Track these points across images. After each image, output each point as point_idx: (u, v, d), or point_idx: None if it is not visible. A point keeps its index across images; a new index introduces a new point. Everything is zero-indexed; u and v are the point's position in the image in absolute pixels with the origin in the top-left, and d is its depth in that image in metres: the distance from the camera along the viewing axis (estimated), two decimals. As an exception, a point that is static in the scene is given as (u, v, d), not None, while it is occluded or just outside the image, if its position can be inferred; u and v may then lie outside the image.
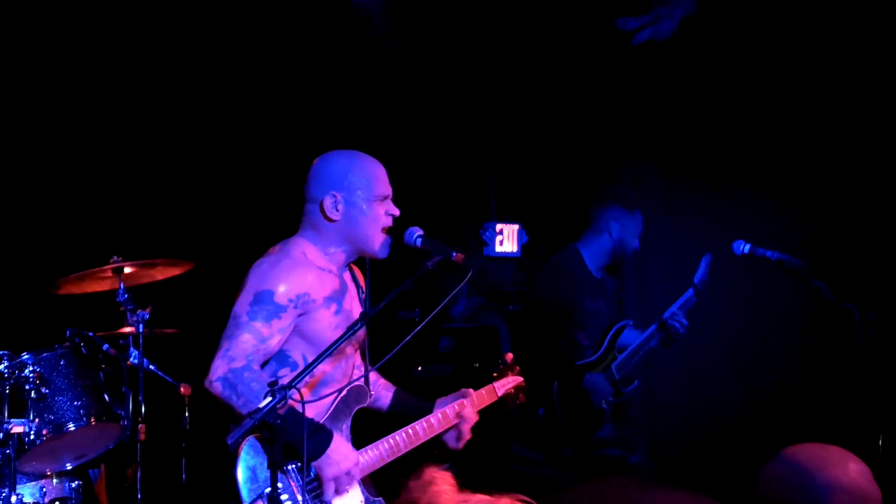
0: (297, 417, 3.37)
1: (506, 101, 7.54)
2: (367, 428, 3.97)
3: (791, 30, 6.36)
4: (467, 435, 4.05)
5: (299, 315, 3.69)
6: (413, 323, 4.99)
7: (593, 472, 5.36)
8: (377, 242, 3.83)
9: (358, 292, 3.98)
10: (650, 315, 5.64)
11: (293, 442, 3.36)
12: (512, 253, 7.30)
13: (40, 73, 6.48)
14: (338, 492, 3.61)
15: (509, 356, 4.35)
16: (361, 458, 3.75)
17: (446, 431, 4.02)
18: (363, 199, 3.80)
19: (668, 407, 6.88)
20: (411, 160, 7.35)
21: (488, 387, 4.23)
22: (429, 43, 7.36)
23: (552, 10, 7.05)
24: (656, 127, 7.03)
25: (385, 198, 3.86)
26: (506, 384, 4.29)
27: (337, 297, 3.79)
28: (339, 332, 3.67)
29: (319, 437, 3.55)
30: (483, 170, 7.74)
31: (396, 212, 3.87)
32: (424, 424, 3.95)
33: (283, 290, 3.65)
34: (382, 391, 4.14)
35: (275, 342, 3.65)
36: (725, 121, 6.72)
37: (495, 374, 4.32)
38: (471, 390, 4.12)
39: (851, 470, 2.49)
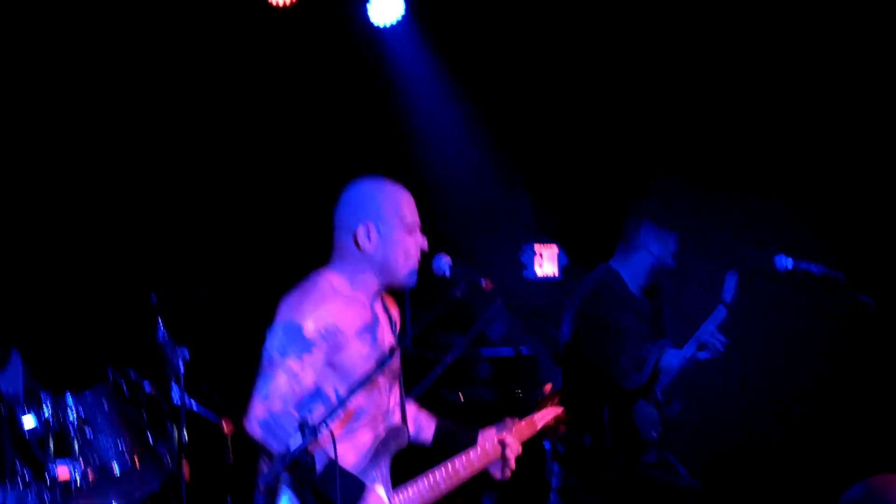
0: (331, 466, 3.35)
1: (544, 123, 7.54)
2: (408, 460, 3.94)
3: (822, 41, 6.29)
4: (512, 465, 3.99)
5: (331, 347, 3.67)
6: (447, 347, 4.97)
7: (637, 496, 5.26)
8: (406, 273, 3.80)
9: (390, 323, 3.95)
10: (685, 333, 5.55)
11: (326, 490, 3.34)
12: (552, 277, 7.26)
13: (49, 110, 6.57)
14: None
15: (548, 387, 4.30)
16: (398, 500, 3.71)
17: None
18: (396, 229, 3.78)
19: (707, 426, 6.77)
20: (448, 184, 7.38)
21: (527, 419, 4.16)
22: (459, 65, 7.38)
23: (583, 27, 7.04)
24: (687, 142, 6.97)
25: (414, 227, 3.84)
26: (545, 416, 4.21)
27: (368, 328, 3.76)
28: (373, 364, 3.64)
29: (352, 488, 3.51)
30: (522, 192, 7.72)
31: (426, 246, 3.84)
32: (465, 460, 3.88)
33: (311, 324, 3.63)
34: (425, 423, 4.09)
35: (308, 378, 3.63)
36: (760, 135, 6.65)
37: (534, 405, 4.26)
38: (513, 420, 4.06)
39: None
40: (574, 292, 5.61)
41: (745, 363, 6.47)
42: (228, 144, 7.19)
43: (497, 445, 3.94)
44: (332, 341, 3.66)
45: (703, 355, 5.33)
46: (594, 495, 5.28)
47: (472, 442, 3.94)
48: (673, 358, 5.38)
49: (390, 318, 3.96)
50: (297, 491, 3.30)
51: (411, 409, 4.05)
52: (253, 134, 7.25)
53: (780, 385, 6.53)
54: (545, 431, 4.22)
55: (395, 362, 3.85)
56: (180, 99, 7.01)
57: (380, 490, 3.67)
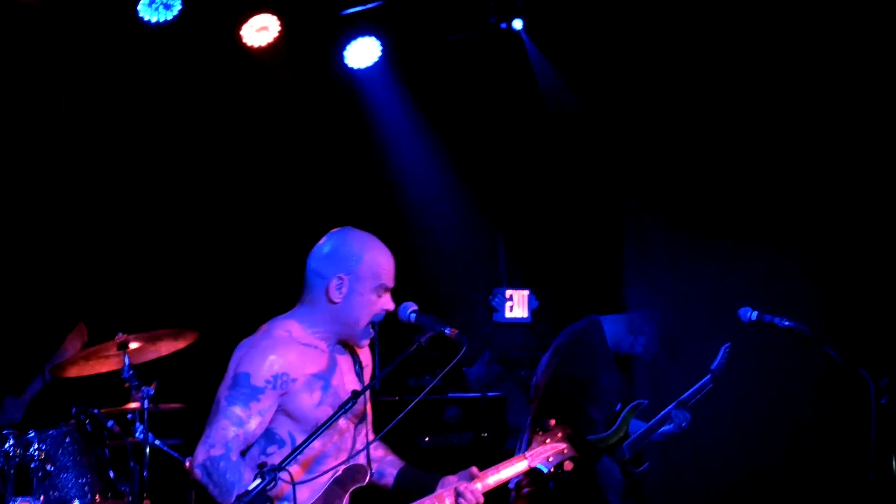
0: (284, 503, 3.35)
1: (516, 167, 7.58)
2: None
3: (799, 79, 6.35)
4: None
5: (281, 395, 3.67)
6: (419, 390, 4.96)
7: None
8: (361, 330, 3.82)
9: (356, 367, 3.95)
10: (661, 387, 5.59)
11: None
12: (522, 318, 7.29)
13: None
14: None
15: (552, 421, 4.18)
16: None
17: None
18: (367, 288, 3.79)
19: (684, 474, 6.78)
20: (421, 227, 7.41)
21: (518, 456, 4.06)
22: (433, 108, 7.44)
23: (557, 68, 7.11)
24: (663, 188, 7.02)
25: (386, 290, 3.85)
26: (542, 452, 4.07)
27: (323, 374, 3.77)
28: (326, 409, 3.65)
29: None
30: (493, 237, 7.76)
31: (391, 307, 3.85)
32: None
33: (260, 373, 3.63)
34: (388, 468, 4.08)
35: (254, 425, 3.63)
36: (735, 181, 6.70)
37: (535, 437, 4.12)
38: (475, 469, 4.01)
39: None
40: (554, 339, 5.62)
41: (725, 411, 6.51)
42: (204, 187, 7.20)
43: (451, 497, 3.92)
44: (283, 389, 3.66)
45: (666, 428, 5.43)
46: None
47: (431, 489, 3.94)
48: (637, 428, 5.49)
49: (357, 363, 3.96)
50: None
51: (379, 451, 4.04)
52: (227, 178, 7.27)
53: (750, 437, 6.56)
54: (539, 470, 4.07)
55: (360, 406, 3.84)
56: (159, 144, 7.03)
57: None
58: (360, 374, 3.94)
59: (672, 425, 5.46)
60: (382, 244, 3.88)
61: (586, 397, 5.37)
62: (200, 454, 3.57)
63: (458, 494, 3.88)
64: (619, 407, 5.50)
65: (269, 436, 3.69)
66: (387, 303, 3.82)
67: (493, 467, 4.00)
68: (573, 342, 5.51)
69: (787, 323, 4.83)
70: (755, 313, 4.99)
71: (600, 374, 5.42)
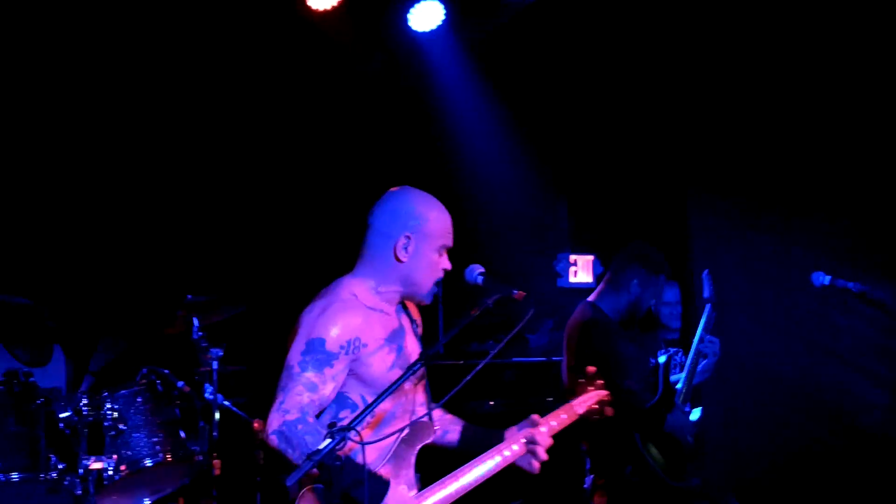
0: (354, 464, 3.39)
1: (581, 132, 7.53)
2: (437, 463, 3.96)
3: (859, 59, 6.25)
4: (543, 457, 3.93)
5: (353, 360, 3.71)
6: (483, 355, 4.99)
7: None
8: (427, 292, 3.85)
9: (413, 328, 3.98)
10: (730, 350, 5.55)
11: (350, 489, 3.36)
12: (587, 284, 7.24)
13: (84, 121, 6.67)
14: None
15: (591, 368, 4.21)
16: (425, 499, 3.73)
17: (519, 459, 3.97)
18: (432, 247, 3.82)
19: (750, 444, 6.73)
20: (484, 192, 7.41)
21: (565, 406, 4.10)
22: (498, 73, 7.39)
23: (625, 38, 7.04)
24: (725, 155, 6.94)
25: (447, 249, 3.88)
26: (586, 400, 4.15)
27: (393, 337, 3.80)
28: (397, 372, 3.66)
29: (378, 488, 3.54)
30: (557, 202, 7.72)
31: (449, 266, 3.87)
32: (489, 459, 3.91)
33: (333, 337, 3.65)
34: (450, 426, 4.11)
35: (328, 390, 3.65)
36: (797, 149, 6.60)
37: (578, 388, 4.20)
38: (537, 416, 4.01)
39: None
40: (562, 338, 5.57)
41: (785, 380, 6.45)
42: (268, 154, 7.27)
43: (521, 443, 3.94)
44: (355, 354, 3.69)
45: (705, 363, 5.40)
46: None
47: (499, 441, 3.96)
48: (679, 379, 5.45)
49: (414, 324, 4.00)
50: (325, 491, 3.32)
51: (437, 412, 4.06)
52: (291, 142, 7.33)
53: (822, 401, 6.49)
54: (587, 417, 4.13)
55: (421, 368, 3.86)
56: (219, 109, 7.10)
57: (404, 490, 3.71)
58: (417, 335, 3.98)
59: (708, 359, 5.43)
60: (441, 204, 3.89)
61: (615, 375, 5.30)
62: (275, 421, 3.57)
63: (528, 439, 3.90)
64: (652, 364, 5.45)
65: (341, 400, 3.71)
66: (446, 262, 3.85)
67: (545, 417, 4.02)
68: (582, 329, 5.42)
69: (860, 287, 4.78)
70: (828, 278, 4.94)
71: (616, 347, 5.34)
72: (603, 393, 4.20)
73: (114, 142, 6.86)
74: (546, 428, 3.97)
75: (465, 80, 7.39)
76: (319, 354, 3.63)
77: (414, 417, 3.84)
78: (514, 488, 6.19)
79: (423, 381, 3.98)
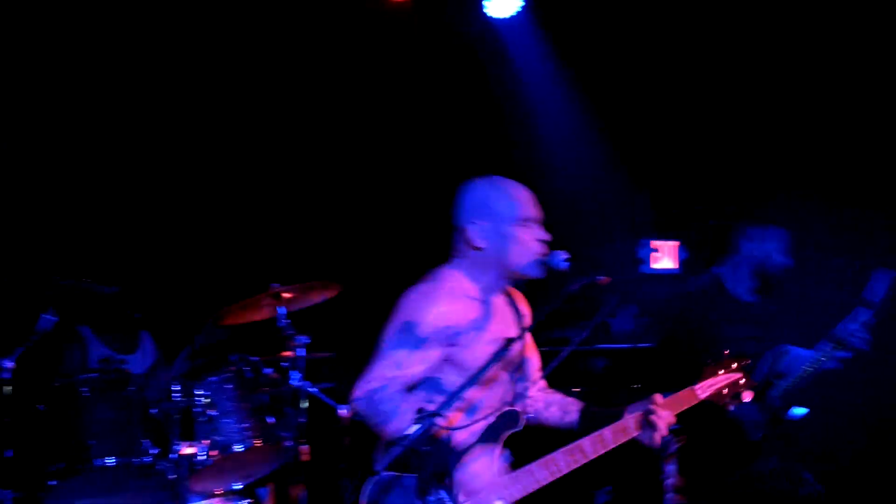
0: (443, 450, 3.42)
1: (661, 116, 7.45)
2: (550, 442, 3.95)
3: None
4: (664, 431, 3.89)
5: (449, 346, 3.74)
6: (565, 343, 4.95)
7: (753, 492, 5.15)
8: (525, 264, 3.83)
9: (516, 316, 3.99)
10: (813, 338, 5.39)
11: (437, 474, 3.41)
12: (671, 270, 7.16)
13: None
14: None
15: (727, 352, 4.12)
16: (517, 480, 3.74)
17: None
18: (507, 224, 3.82)
19: (836, 430, 6.60)
20: (566, 179, 7.38)
21: (686, 390, 4.02)
22: (577, 58, 7.35)
23: (706, 23, 6.95)
24: (812, 139, 6.81)
25: (530, 221, 3.86)
26: (713, 384, 4.02)
27: (488, 325, 3.82)
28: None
29: (463, 471, 3.57)
30: (639, 187, 7.65)
31: (546, 236, 3.86)
32: (596, 438, 3.86)
33: (427, 323, 3.71)
34: (569, 407, 4.08)
35: (414, 370, 3.71)
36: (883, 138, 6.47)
37: (706, 371, 4.06)
38: (658, 396, 3.93)
39: None
40: (667, 302, 5.49)
41: (878, 367, 6.30)
42: (357, 145, 7.33)
43: (637, 419, 3.90)
44: (448, 340, 3.73)
45: (839, 354, 5.14)
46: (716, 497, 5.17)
47: (618, 419, 3.92)
48: (799, 359, 5.21)
49: (517, 311, 4.00)
50: (415, 475, 3.35)
51: (556, 395, 4.11)
52: (377, 133, 7.38)
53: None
54: (715, 401, 4.02)
55: (515, 354, 3.87)
56: (301, 101, 7.18)
57: (493, 475, 3.73)
58: (520, 322, 3.97)
59: (844, 351, 5.09)
60: (509, 180, 3.91)
61: (708, 353, 5.20)
62: (360, 388, 3.70)
63: (647, 415, 3.86)
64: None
65: (435, 385, 3.76)
66: (540, 233, 3.84)
67: (666, 399, 3.97)
68: (685, 300, 5.33)
69: None
70: None
71: (720, 326, 5.22)
72: (735, 376, 4.05)
73: (197, 129, 6.98)
74: (665, 406, 3.93)
75: (546, 66, 7.35)
76: (411, 336, 3.70)
77: (506, 404, 3.85)
78: (604, 475, 6.17)
79: (520, 368, 3.97)
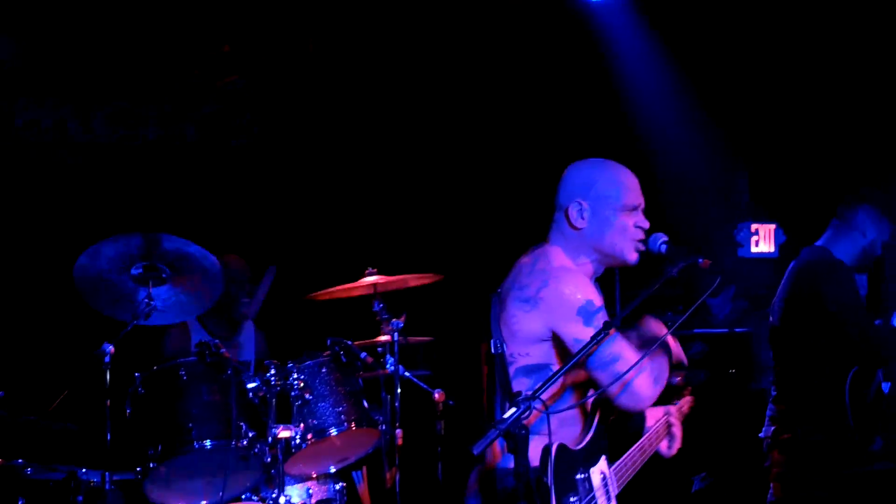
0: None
1: (758, 100, 7.31)
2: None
3: None
4: (678, 443, 4.05)
5: None
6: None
7: (865, 488, 5.02)
8: (626, 252, 3.75)
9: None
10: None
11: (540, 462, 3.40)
12: (769, 253, 7.06)
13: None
14: None
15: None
16: (614, 471, 3.71)
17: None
18: (609, 208, 3.73)
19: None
20: (665, 162, 7.29)
21: (685, 399, 4.23)
22: (675, 40, 7.25)
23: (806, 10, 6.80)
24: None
25: (634, 208, 3.78)
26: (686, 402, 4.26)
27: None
28: None
29: (566, 459, 3.53)
30: (737, 170, 7.53)
31: (646, 224, 3.77)
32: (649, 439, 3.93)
33: (592, 295, 3.61)
34: None
35: None
36: None
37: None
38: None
39: None
40: (786, 279, 5.37)
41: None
42: (453, 129, 7.33)
43: (665, 423, 3.98)
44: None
45: None
46: (823, 489, 5.05)
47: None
48: None
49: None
50: (514, 460, 3.32)
51: None
52: (474, 118, 7.36)
53: None
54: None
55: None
56: (402, 90, 7.22)
57: (602, 463, 3.68)
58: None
59: None
60: (619, 164, 3.82)
61: (865, 316, 5.07)
62: (646, 381, 3.62)
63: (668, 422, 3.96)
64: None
65: (543, 370, 3.65)
66: (641, 220, 3.77)
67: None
68: (837, 271, 5.19)
69: None
70: None
71: (861, 297, 5.12)
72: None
73: (315, 122, 7.07)
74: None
75: (644, 48, 7.26)
76: (597, 311, 3.58)
77: (597, 392, 3.78)
78: (699, 462, 6.10)
79: None
